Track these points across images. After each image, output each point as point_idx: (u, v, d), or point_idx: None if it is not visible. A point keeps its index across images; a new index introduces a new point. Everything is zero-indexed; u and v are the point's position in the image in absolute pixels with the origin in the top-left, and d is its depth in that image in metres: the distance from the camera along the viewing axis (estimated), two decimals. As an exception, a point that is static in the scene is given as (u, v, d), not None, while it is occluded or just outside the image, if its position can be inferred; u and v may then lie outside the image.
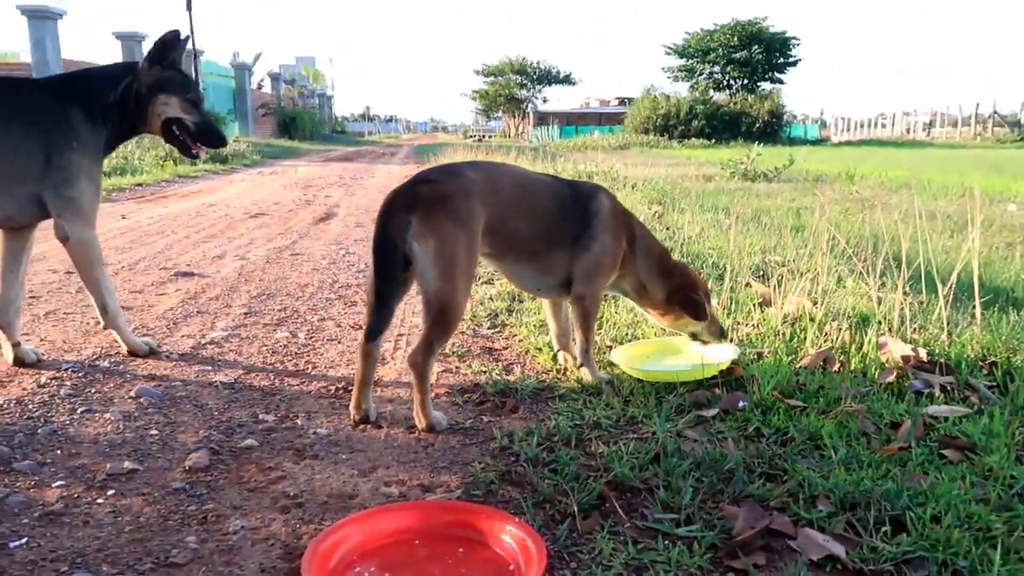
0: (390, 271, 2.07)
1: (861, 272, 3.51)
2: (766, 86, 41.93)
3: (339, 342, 3.05)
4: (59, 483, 1.81)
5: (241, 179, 11.69)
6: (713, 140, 32.97)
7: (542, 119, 51.45)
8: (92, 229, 2.64)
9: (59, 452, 1.98)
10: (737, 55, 40.86)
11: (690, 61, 43.31)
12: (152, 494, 1.77)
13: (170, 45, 2.67)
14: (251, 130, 25.57)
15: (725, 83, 42.20)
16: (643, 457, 1.92)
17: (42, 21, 15.59)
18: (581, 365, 2.55)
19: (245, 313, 3.46)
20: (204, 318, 3.37)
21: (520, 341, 3.03)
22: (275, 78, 32.57)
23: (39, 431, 2.10)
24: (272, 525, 1.65)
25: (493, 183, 2.31)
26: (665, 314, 2.62)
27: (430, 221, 2.06)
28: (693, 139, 33.54)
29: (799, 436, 2.04)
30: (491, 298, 3.70)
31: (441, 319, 2.09)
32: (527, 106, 56.65)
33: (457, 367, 2.73)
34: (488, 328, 3.25)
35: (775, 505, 1.70)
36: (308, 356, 2.86)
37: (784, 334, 2.95)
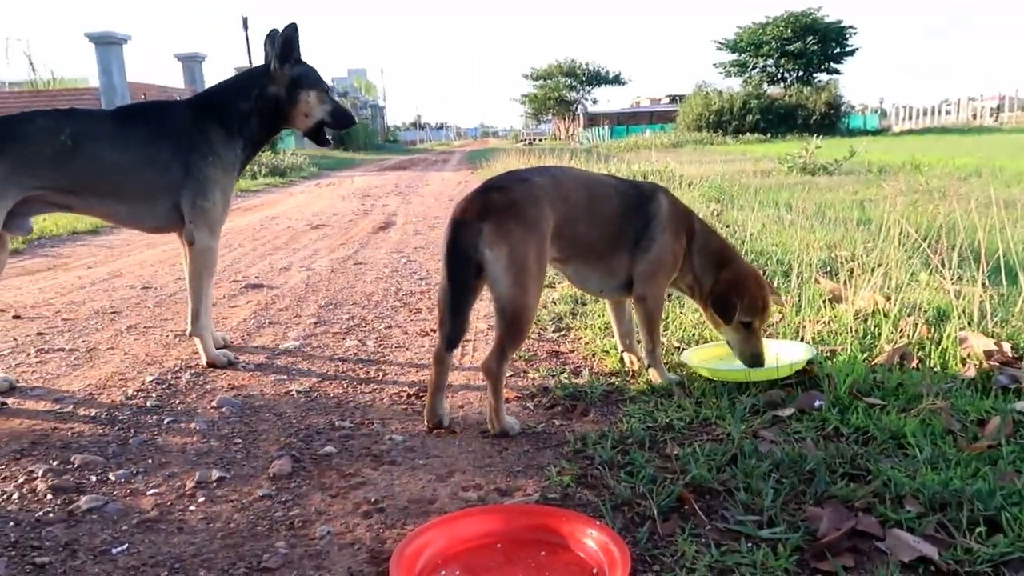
0: (463, 279, 2.09)
1: (936, 265, 3.41)
2: (822, 77, 41.04)
3: (407, 349, 3.10)
4: (153, 491, 1.89)
5: (300, 191, 11.97)
6: (768, 134, 32.46)
7: (592, 120, 51.32)
8: (215, 240, 2.83)
9: (150, 461, 2.06)
10: (791, 47, 40.10)
11: (742, 55, 42.69)
12: (240, 501, 1.83)
13: (293, 40, 2.81)
14: (307, 143, 26.10)
15: (779, 76, 41.46)
16: (719, 459, 1.91)
17: (108, 47, 16.27)
18: (649, 366, 2.54)
19: (315, 323, 3.55)
20: (276, 328, 3.46)
21: (586, 344, 3.03)
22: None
23: (130, 441, 2.19)
24: (356, 530, 1.69)
25: (560, 188, 2.32)
26: (705, 310, 2.55)
27: (502, 228, 2.07)
28: (748, 134, 33.05)
29: (880, 435, 2.00)
30: (554, 301, 3.71)
31: (514, 325, 2.11)
32: (577, 108, 56.57)
33: (525, 371, 2.74)
34: (553, 332, 3.25)
35: (860, 506, 1.67)
36: (378, 364, 2.91)
37: (857, 331, 2.89)
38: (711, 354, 2.71)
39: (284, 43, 2.79)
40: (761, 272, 2.81)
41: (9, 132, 2.44)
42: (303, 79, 2.86)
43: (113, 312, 3.82)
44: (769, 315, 2.55)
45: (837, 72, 41.55)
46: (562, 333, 3.24)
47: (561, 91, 57.77)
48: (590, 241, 2.39)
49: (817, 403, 2.21)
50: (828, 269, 3.92)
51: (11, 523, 1.73)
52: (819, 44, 40.26)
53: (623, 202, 2.44)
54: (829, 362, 2.56)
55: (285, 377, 2.77)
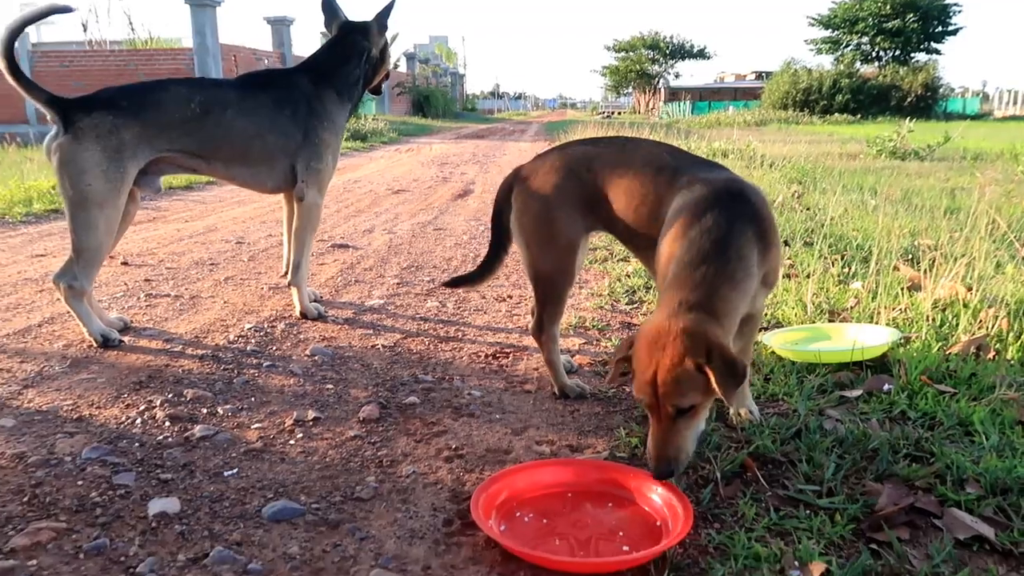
0: (497, 240, 2.35)
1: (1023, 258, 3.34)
2: (920, 57, 39.10)
3: (485, 312, 3.24)
4: (256, 425, 2.08)
5: (381, 156, 12.25)
6: (859, 116, 31.19)
7: (674, 95, 50.29)
8: (322, 198, 3.07)
9: (252, 399, 2.27)
10: (889, 24, 38.26)
11: (836, 32, 40.98)
12: (334, 439, 2.01)
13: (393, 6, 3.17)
14: (387, 108, 26.53)
15: (874, 55, 39.68)
16: (784, 432, 1.98)
17: (203, 9, 16.80)
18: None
19: (397, 283, 3.73)
20: (361, 287, 3.65)
21: (658, 317, 3.10)
22: (410, 57, 33.54)
23: (234, 381, 2.41)
24: (438, 472, 1.84)
25: (592, 161, 2.15)
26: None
27: (519, 200, 2.21)
28: (836, 115, 31.84)
29: (947, 421, 2.03)
30: (628, 275, 3.79)
31: (540, 290, 2.24)
32: (658, 81, 55.47)
33: (598, 339, 2.85)
34: (626, 304, 3.34)
35: (920, 486, 1.72)
36: (457, 325, 3.06)
37: (934, 319, 2.87)
38: (790, 337, 2.73)
39: (389, 10, 3.09)
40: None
41: (144, 98, 2.65)
42: (387, 40, 3.16)
43: (211, 264, 4.09)
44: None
45: (937, 52, 39.56)
46: (635, 305, 3.33)
47: (643, 64, 56.73)
48: (628, 224, 2.10)
49: (886, 387, 2.24)
50: (910, 257, 3.87)
51: (136, 444, 1.95)
52: (919, 22, 38.29)
53: (667, 187, 1.98)
54: (902, 348, 2.57)
55: (371, 332, 2.95)
